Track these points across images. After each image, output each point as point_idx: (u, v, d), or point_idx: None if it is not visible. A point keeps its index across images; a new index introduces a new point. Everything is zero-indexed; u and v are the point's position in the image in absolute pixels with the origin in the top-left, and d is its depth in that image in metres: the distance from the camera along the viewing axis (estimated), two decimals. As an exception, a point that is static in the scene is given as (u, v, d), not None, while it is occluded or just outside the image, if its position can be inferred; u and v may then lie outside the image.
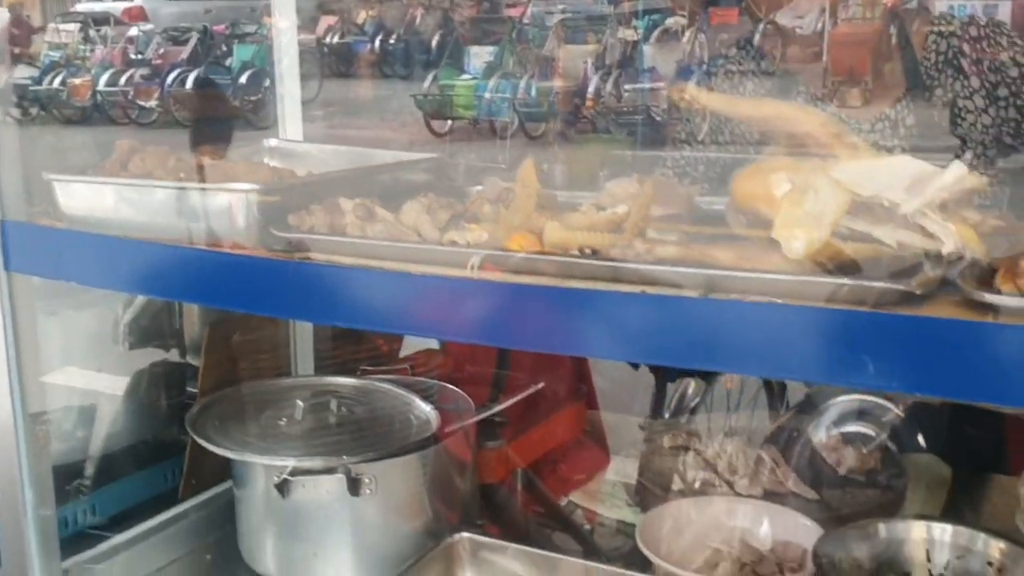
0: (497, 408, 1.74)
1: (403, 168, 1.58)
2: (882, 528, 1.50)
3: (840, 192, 0.99)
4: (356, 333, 2.17)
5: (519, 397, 1.77)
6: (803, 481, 1.77)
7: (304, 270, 1.18)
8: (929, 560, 1.50)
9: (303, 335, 2.01)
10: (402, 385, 1.82)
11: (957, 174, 1.01)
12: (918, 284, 0.96)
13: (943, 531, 1.49)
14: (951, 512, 1.67)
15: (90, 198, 1.41)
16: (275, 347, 1.97)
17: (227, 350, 1.87)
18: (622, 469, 1.96)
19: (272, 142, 1.75)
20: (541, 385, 1.81)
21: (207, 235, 1.26)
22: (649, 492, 1.77)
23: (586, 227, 1.16)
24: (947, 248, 0.98)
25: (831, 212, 0.98)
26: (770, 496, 1.71)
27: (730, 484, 1.76)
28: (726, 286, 1.03)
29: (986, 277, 0.97)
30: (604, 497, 1.83)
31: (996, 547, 1.45)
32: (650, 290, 1.05)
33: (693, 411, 2.73)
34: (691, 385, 3.00)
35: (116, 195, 1.37)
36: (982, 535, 1.47)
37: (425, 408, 1.71)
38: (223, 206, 1.26)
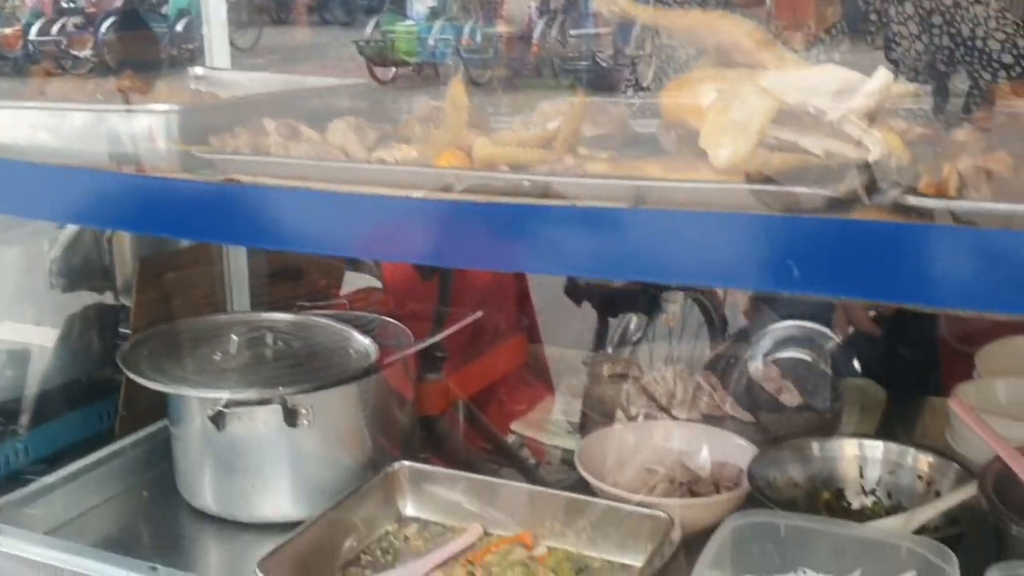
0: (435, 338, 1.73)
1: (332, 93, 1.54)
2: (815, 447, 1.52)
3: (766, 100, 0.98)
4: (293, 271, 2.14)
5: (457, 326, 1.77)
6: (740, 406, 1.79)
7: (227, 192, 1.15)
8: (862, 476, 1.53)
9: (238, 273, 1.97)
10: (341, 320, 1.80)
11: (883, 81, 1.00)
12: (843, 190, 0.96)
13: (875, 448, 1.52)
14: (885, 433, 1.70)
15: (5, 124, 1.36)
16: (209, 284, 1.94)
17: (159, 288, 1.83)
18: (566, 402, 1.97)
19: (198, 71, 1.70)
20: (479, 315, 1.80)
21: (127, 159, 1.22)
22: (591, 420, 1.77)
23: (516, 144, 1.14)
24: (873, 155, 0.99)
25: (757, 120, 0.98)
26: (708, 420, 1.73)
27: (667, 410, 1.78)
28: (655, 197, 1.03)
29: (911, 183, 0.98)
30: (546, 426, 1.84)
31: (925, 461, 1.48)
32: (580, 203, 1.04)
33: (636, 344, 2.75)
34: (633, 320, 3.03)
35: (33, 120, 1.32)
36: (912, 450, 1.50)
37: (364, 341, 1.70)
38: (143, 129, 1.22)
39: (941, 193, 0.93)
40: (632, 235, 1.01)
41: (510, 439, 1.90)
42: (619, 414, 1.77)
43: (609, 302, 2.81)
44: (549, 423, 1.85)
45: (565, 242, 1.05)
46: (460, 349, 1.99)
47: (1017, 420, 1.51)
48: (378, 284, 2.53)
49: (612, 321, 2.93)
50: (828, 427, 1.73)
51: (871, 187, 0.98)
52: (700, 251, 0.97)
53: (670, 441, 1.62)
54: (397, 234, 1.09)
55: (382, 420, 1.60)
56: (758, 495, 1.41)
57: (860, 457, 1.52)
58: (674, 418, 1.72)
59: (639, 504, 1.42)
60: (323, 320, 1.79)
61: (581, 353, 2.22)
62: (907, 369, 2.04)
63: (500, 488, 1.52)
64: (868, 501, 1.50)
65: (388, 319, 1.83)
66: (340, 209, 1.13)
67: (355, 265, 2.59)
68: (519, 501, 1.49)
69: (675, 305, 2.94)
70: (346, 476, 1.54)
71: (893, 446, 1.51)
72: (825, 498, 1.51)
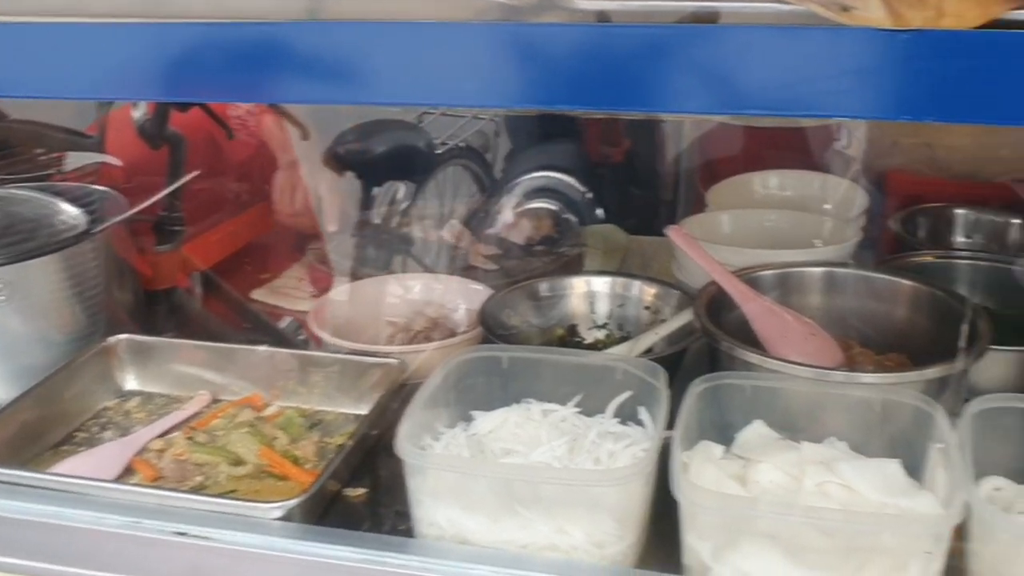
0: (147, 203, 1.61)
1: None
2: (544, 286, 1.53)
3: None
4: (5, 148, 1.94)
5: (169, 189, 1.65)
6: (490, 255, 1.80)
7: None
8: (593, 311, 1.56)
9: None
10: (52, 192, 1.65)
11: None
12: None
13: (602, 283, 1.55)
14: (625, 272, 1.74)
15: None
16: None
17: None
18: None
19: None
20: (195, 174, 1.69)
21: None
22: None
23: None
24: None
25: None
26: (455, 271, 1.72)
27: (425, 265, 1.77)
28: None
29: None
30: (291, 292, 1.78)
31: (649, 291, 1.52)
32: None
33: (404, 213, 2.69)
34: (400, 189, 2.96)
35: None
36: (637, 282, 1.54)
37: (73, 211, 1.56)
38: None
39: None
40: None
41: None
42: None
43: (372, 169, 2.73)
44: (291, 288, 1.79)
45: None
46: (198, 218, 1.89)
47: (738, 247, 1.58)
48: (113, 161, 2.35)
49: (377, 190, 2.86)
50: (571, 269, 1.76)
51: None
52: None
53: (409, 293, 1.60)
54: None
55: (96, 293, 1.49)
56: (489, 335, 1.41)
57: (589, 293, 1.55)
58: (428, 270, 1.71)
59: (370, 355, 1.39)
60: (28, 192, 1.63)
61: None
62: (645, 211, 2.10)
63: (230, 353, 1.45)
64: (601, 334, 1.54)
65: (106, 190, 1.69)
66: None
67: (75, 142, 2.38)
68: (250, 364, 1.43)
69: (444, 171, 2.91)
70: (58, 354, 1.43)
71: (619, 279, 1.55)
72: (559, 334, 1.53)
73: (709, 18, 0.90)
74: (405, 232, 1.94)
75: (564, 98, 0.92)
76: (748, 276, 1.41)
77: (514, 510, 1.06)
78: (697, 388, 1.17)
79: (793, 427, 1.19)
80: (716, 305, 1.38)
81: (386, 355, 1.39)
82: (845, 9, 0.81)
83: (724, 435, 1.20)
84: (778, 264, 1.44)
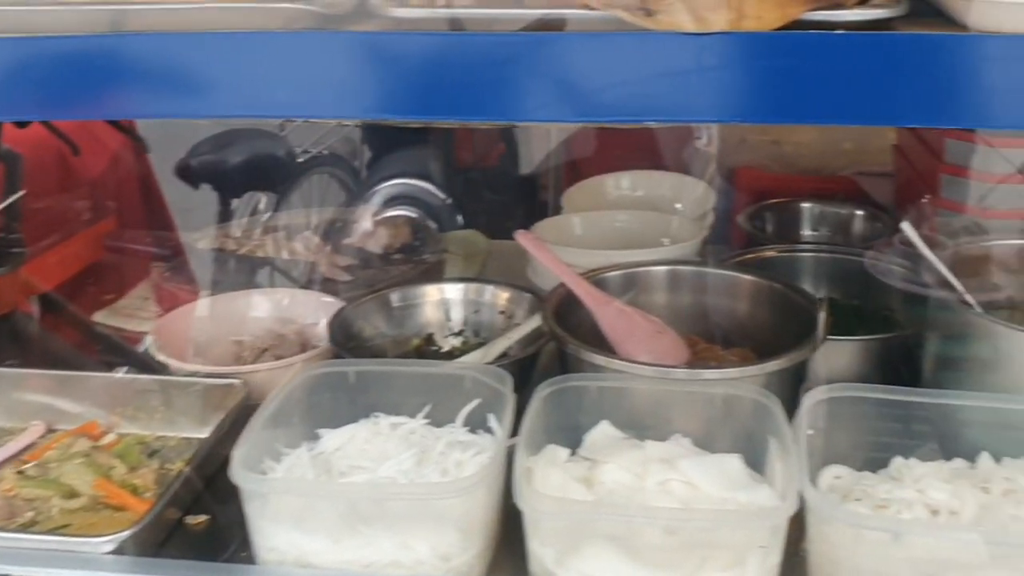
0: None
1: None
2: (396, 296, 1.51)
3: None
4: None
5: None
6: (346, 266, 1.76)
7: None
8: (448, 319, 1.54)
9: None
10: None
11: None
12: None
13: (456, 290, 1.54)
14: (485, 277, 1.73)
15: None
16: None
17: None
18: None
19: None
20: (22, 193, 1.60)
21: None
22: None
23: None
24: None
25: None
26: (308, 284, 1.68)
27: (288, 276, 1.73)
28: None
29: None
30: (133, 312, 1.71)
31: (502, 296, 1.52)
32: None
33: (266, 225, 2.62)
34: (262, 200, 2.90)
35: None
36: (489, 287, 1.53)
37: None
38: None
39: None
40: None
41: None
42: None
43: (229, 180, 2.66)
44: (136, 308, 1.72)
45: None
46: (36, 240, 1.80)
47: (588, 249, 1.59)
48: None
49: (236, 201, 2.79)
50: (431, 278, 1.74)
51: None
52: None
53: (256, 311, 1.56)
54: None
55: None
56: (339, 349, 1.38)
57: (443, 301, 1.53)
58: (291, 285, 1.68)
59: (211, 376, 1.35)
60: None
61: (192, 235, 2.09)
62: (508, 215, 2.10)
63: (65, 380, 1.38)
64: (457, 342, 1.53)
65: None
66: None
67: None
68: (87, 391, 1.37)
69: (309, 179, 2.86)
70: None
71: (472, 285, 1.54)
72: (415, 344, 1.51)
73: (557, 25, 0.89)
74: (261, 245, 1.89)
75: (410, 108, 0.91)
76: (596, 277, 1.42)
77: (356, 529, 1.03)
78: (543, 392, 1.17)
79: (640, 426, 1.20)
80: (566, 307, 1.38)
81: (228, 376, 1.34)
82: (650, 14, 0.82)
83: (574, 437, 1.20)
84: (624, 264, 1.46)
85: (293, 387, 1.20)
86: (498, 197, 2.25)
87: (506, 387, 1.19)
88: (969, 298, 1.33)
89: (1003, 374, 1.23)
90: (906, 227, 1.36)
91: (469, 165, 2.33)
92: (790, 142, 2.09)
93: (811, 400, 1.15)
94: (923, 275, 1.34)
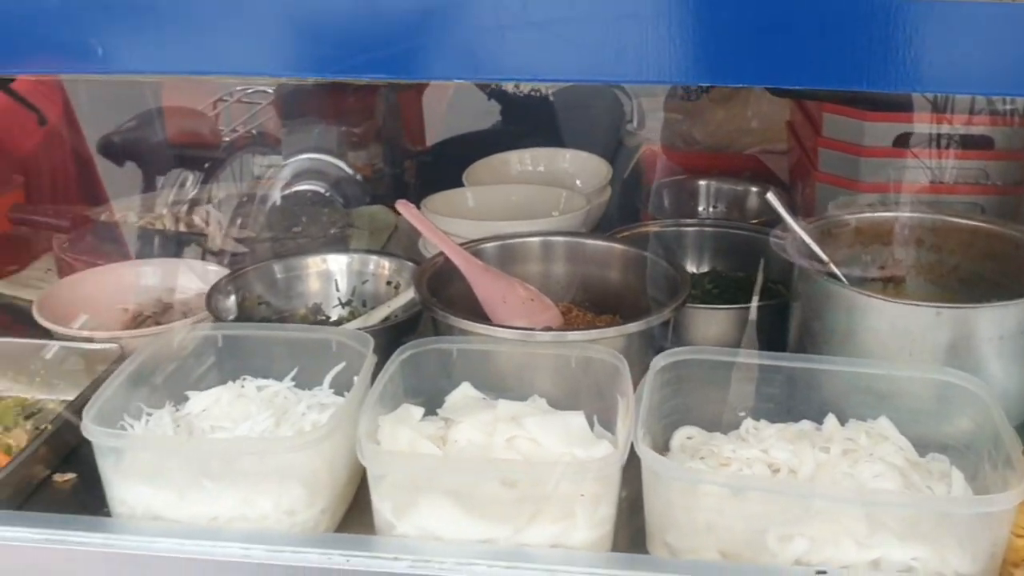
0: None
1: None
2: (279, 267, 1.53)
3: None
4: None
5: None
6: (242, 238, 1.79)
7: None
8: (337, 289, 1.57)
9: None
10: None
11: None
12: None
13: (339, 261, 1.56)
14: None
15: None
16: None
17: None
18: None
19: None
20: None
21: None
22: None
23: None
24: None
25: None
26: (204, 256, 1.71)
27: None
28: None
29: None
30: (34, 283, 1.72)
31: (386, 266, 1.55)
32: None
33: (195, 203, 2.63)
34: (189, 177, 2.90)
35: None
36: (374, 257, 1.56)
37: None
38: None
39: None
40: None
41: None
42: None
43: (154, 158, 2.67)
44: (38, 279, 1.73)
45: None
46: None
47: (478, 221, 1.61)
48: None
49: (160, 178, 2.79)
50: (334, 251, 1.76)
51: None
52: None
53: (146, 280, 1.57)
54: None
55: None
56: (216, 317, 1.40)
57: (329, 271, 1.55)
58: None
59: (89, 341, 1.37)
60: None
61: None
62: (419, 190, 2.12)
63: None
64: (345, 312, 1.55)
65: None
66: None
67: None
68: (-33, 356, 1.38)
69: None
70: None
71: (357, 256, 1.56)
72: (301, 314, 1.53)
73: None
74: (159, 218, 1.90)
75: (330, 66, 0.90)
76: (474, 248, 1.45)
77: (201, 484, 1.06)
78: (402, 355, 1.20)
79: (502, 387, 1.23)
80: (445, 276, 1.41)
81: (107, 341, 1.36)
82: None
83: (438, 399, 1.23)
84: (503, 236, 1.48)
85: (155, 349, 1.23)
86: (408, 173, 2.27)
87: (367, 348, 1.22)
88: (834, 268, 1.37)
89: (859, 340, 1.27)
90: (771, 198, 1.39)
91: (383, 140, 2.35)
92: (701, 120, 2.12)
93: (659, 363, 1.18)
94: (792, 246, 1.38)
